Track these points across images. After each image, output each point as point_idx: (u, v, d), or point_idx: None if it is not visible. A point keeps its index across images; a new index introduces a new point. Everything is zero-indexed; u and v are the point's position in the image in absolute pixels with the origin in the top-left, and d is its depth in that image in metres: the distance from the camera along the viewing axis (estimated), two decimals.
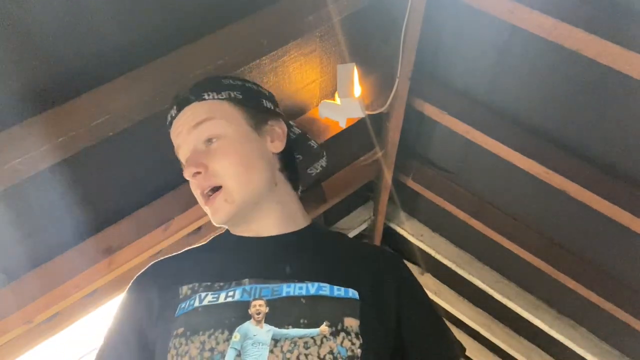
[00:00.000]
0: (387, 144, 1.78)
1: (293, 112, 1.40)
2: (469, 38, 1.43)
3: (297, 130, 0.98)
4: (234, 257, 0.80)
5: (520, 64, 1.35)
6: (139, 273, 0.82)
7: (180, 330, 0.68)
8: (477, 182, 1.87)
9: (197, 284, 0.73)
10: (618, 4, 1.02)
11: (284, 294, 0.71)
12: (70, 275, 1.11)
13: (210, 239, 0.89)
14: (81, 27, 0.84)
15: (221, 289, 0.72)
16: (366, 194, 2.31)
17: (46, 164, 0.85)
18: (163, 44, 0.94)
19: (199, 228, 1.45)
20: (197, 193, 0.81)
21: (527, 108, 1.45)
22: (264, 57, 1.15)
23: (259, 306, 0.69)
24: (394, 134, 1.71)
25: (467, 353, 2.99)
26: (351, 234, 2.36)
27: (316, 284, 0.72)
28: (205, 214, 1.30)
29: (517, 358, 2.54)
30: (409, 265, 2.89)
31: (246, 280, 0.72)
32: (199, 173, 0.76)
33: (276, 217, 0.83)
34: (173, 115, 0.82)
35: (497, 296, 2.19)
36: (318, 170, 1.02)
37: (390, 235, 2.54)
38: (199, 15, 0.98)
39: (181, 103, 0.81)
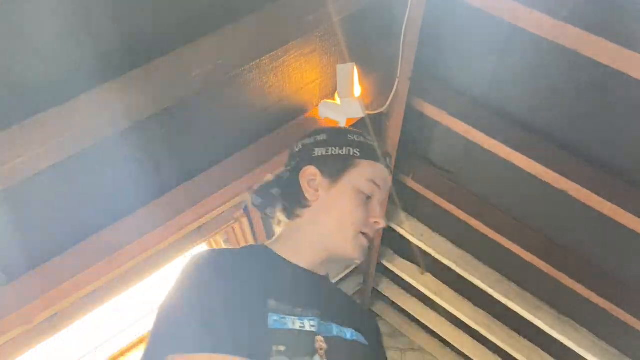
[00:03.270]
0: (387, 144, 1.78)
1: (293, 112, 1.40)
2: (469, 38, 1.43)
3: None
4: (300, 284, 0.84)
5: (520, 64, 1.35)
6: (211, 253, 0.79)
7: (282, 348, 0.69)
8: (477, 182, 1.87)
9: (282, 303, 0.74)
10: (618, 4, 1.02)
11: (334, 334, 0.76)
12: (70, 275, 1.11)
13: (253, 247, 0.91)
14: (81, 27, 0.84)
15: (301, 315, 0.74)
16: None
17: (46, 164, 0.85)
18: (163, 44, 0.94)
19: (199, 228, 1.45)
20: (363, 227, 0.86)
21: (527, 108, 1.45)
22: (264, 57, 1.15)
23: (320, 342, 0.73)
24: (394, 134, 1.72)
25: (467, 353, 3.00)
26: None
27: (350, 329, 0.80)
28: (206, 214, 1.30)
29: (517, 358, 2.54)
30: (409, 265, 2.87)
31: (316, 312, 0.76)
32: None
33: (328, 262, 0.92)
34: (388, 164, 0.94)
35: (497, 296, 2.19)
36: None
37: (390, 235, 2.54)
38: (199, 15, 0.98)
39: (388, 166, 0.94)
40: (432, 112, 1.61)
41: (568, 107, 1.34)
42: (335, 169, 0.88)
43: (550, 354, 2.45)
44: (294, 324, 0.72)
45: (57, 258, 1.11)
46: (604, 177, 1.35)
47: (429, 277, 2.75)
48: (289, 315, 0.73)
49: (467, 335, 2.97)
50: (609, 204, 1.32)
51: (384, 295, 3.32)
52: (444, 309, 2.73)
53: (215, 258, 0.78)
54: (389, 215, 2.40)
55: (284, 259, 0.85)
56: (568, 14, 1.04)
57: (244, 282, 0.74)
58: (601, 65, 1.06)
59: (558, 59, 1.24)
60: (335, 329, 0.77)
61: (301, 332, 0.71)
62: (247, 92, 1.21)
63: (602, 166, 1.36)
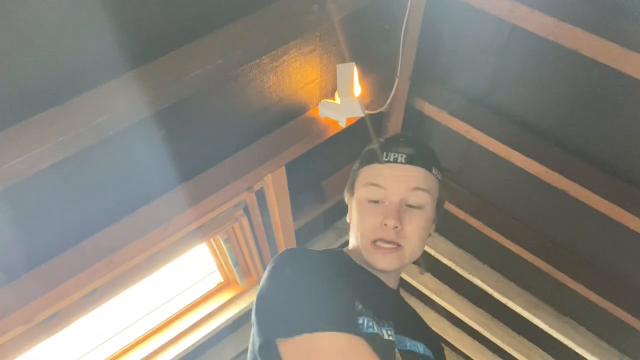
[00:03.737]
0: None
1: (293, 112, 1.40)
2: (469, 38, 1.43)
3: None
4: (376, 292, 0.86)
5: (520, 64, 1.35)
6: (306, 250, 0.79)
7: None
8: (477, 182, 1.87)
9: (365, 307, 0.75)
10: (618, 4, 1.02)
11: (408, 347, 0.77)
12: (70, 275, 1.11)
13: (336, 252, 0.91)
14: (81, 26, 0.84)
15: (379, 324, 0.75)
16: None
17: (46, 164, 0.85)
18: (163, 44, 0.94)
19: (199, 228, 1.45)
20: (374, 235, 0.84)
21: (527, 107, 1.45)
22: (264, 57, 1.15)
23: (397, 354, 0.74)
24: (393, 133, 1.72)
25: (467, 353, 3.00)
26: None
27: (422, 344, 0.81)
28: (206, 214, 1.30)
29: (517, 358, 2.54)
30: (410, 265, 2.88)
31: (391, 323, 0.77)
32: (396, 228, 0.83)
33: (397, 275, 0.95)
34: (397, 160, 0.87)
35: (497, 296, 2.19)
36: None
37: None
38: (199, 15, 0.98)
39: (411, 159, 0.87)
40: (432, 112, 1.61)
41: (568, 107, 1.34)
42: (349, 185, 0.93)
43: (550, 354, 2.45)
44: (380, 330, 0.73)
45: (57, 258, 1.11)
46: (604, 177, 1.35)
47: (428, 276, 2.75)
48: (375, 322, 0.74)
49: (467, 335, 2.97)
50: (609, 203, 1.32)
51: None
52: (444, 308, 2.73)
53: (310, 254, 0.78)
54: None
55: (361, 267, 0.88)
56: (568, 14, 1.04)
57: (336, 281, 0.74)
58: (601, 65, 1.06)
59: (558, 59, 1.24)
60: (409, 343, 0.78)
61: (383, 340, 0.73)
62: (247, 92, 1.21)
63: (602, 166, 1.36)
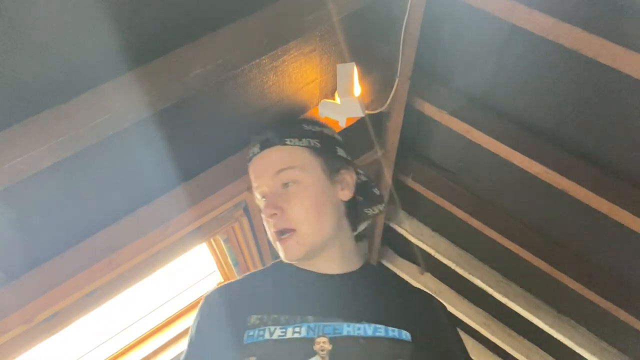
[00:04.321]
0: (387, 143, 1.78)
1: (293, 112, 1.40)
2: (469, 38, 1.43)
3: (363, 178, 1.04)
4: (297, 290, 0.85)
5: (520, 64, 1.35)
6: (208, 294, 0.90)
7: (253, 358, 0.72)
8: (477, 182, 1.87)
9: (265, 315, 0.77)
10: (618, 4, 1.02)
11: (344, 333, 0.76)
12: (70, 275, 1.11)
13: (272, 263, 0.94)
14: (81, 26, 0.84)
15: (287, 323, 0.76)
16: None
17: (46, 164, 0.85)
18: (163, 44, 0.94)
19: (199, 228, 1.45)
20: (270, 230, 0.87)
21: (527, 108, 1.45)
22: (264, 57, 1.15)
23: (322, 343, 0.74)
24: (394, 133, 1.72)
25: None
26: None
27: (373, 325, 0.77)
28: (206, 214, 1.31)
29: (517, 358, 2.54)
30: (409, 265, 2.88)
31: (310, 317, 0.77)
32: (276, 214, 0.82)
33: (337, 258, 0.89)
34: (255, 152, 0.90)
35: (497, 296, 2.19)
36: (375, 212, 1.07)
37: (390, 235, 2.54)
38: (199, 15, 0.97)
39: (265, 144, 0.88)
40: (432, 112, 1.61)
41: (568, 107, 1.34)
42: None
43: (550, 354, 2.45)
44: (272, 334, 0.74)
45: (57, 258, 1.11)
46: (604, 177, 1.35)
47: (428, 276, 2.75)
48: (272, 326, 0.76)
49: (467, 335, 2.97)
50: (609, 203, 1.32)
51: None
52: None
53: (210, 299, 0.88)
54: (389, 215, 2.40)
55: (298, 268, 0.88)
56: (568, 14, 1.04)
57: (226, 313, 0.81)
58: (601, 65, 1.06)
59: (558, 59, 1.24)
60: (347, 328, 0.76)
61: (281, 341, 0.74)
62: (247, 92, 1.21)
63: (602, 166, 1.36)
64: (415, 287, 0.93)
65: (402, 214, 2.40)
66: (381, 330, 0.76)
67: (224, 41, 0.98)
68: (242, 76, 1.17)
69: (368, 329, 0.76)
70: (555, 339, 2.09)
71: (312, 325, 0.75)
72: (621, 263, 1.61)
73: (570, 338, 2.02)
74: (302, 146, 0.86)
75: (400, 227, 2.42)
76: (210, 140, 1.25)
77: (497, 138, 1.47)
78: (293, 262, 0.89)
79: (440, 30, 1.46)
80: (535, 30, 1.12)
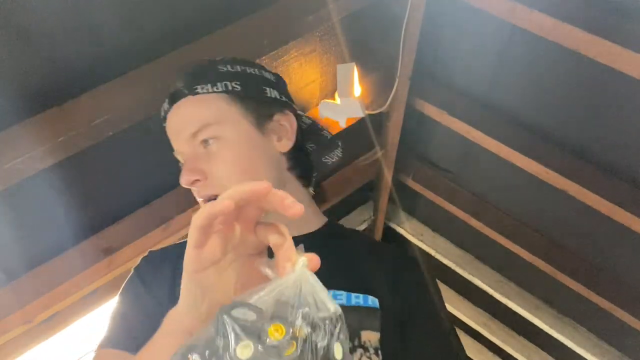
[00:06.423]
0: (387, 143, 1.77)
1: None
2: (469, 38, 1.43)
3: (307, 120, 0.88)
4: None
5: (520, 64, 1.35)
6: (145, 256, 0.81)
7: None
8: (477, 182, 1.87)
9: None
10: (618, 4, 1.02)
11: None
12: (70, 275, 1.11)
13: None
14: (81, 27, 0.84)
15: None
16: (366, 193, 2.31)
17: (46, 164, 0.85)
18: (163, 44, 0.94)
19: None
20: (199, 200, 0.73)
21: (527, 108, 1.45)
22: (264, 57, 1.15)
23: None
24: (394, 134, 1.71)
25: (467, 353, 2.99)
26: None
27: (331, 291, 0.63)
28: None
29: (517, 358, 2.54)
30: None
31: None
32: (197, 181, 0.69)
33: (286, 220, 0.76)
34: (166, 109, 0.74)
35: (497, 296, 2.19)
36: (334, 160, 0.93)
37: (390, 235, 2.53)
38: (199, 15, 0.97)
39: (174, 97, 0.71)
40: (432, 112, 1.61)
41: (568, 107, 1.34)
42: None
43: (550, 354, 2.45)
44: None
45: (57, 258, 1.11)
46: (604, 177, 1.34)
47: None
48: None
49: (467, 335, 2.97)
50: (609, 203, 1.32)
51: None
52: None
53: (139, 264, 0.78)
54: (389, 215, 2.40)
55: None
56: (568, 14, 1.04)
57: (154, 280, 0.72)
58: (601, 65, 1.06)
59: (558, 59, 1.24)
60: None
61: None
62: None
63: (602, 166, 1.35)
64: (385, 244, 0.81)
65: (402, 214, 2.40)
66: (342, 297, 0.63)
67: (224, 41, 0.98)
68: None
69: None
70: (556, 339, 2.09)
71: None
72: (621, 263, 1.61)
73: (571, 338, 2.02)
74: (217, 92, 0.70)
75: (400, 227, 2.42)
76: None
77: (497, 138, 1.47)
78: None
79: (441, 30, 1.46)
80: (535, 30, 1.12)
